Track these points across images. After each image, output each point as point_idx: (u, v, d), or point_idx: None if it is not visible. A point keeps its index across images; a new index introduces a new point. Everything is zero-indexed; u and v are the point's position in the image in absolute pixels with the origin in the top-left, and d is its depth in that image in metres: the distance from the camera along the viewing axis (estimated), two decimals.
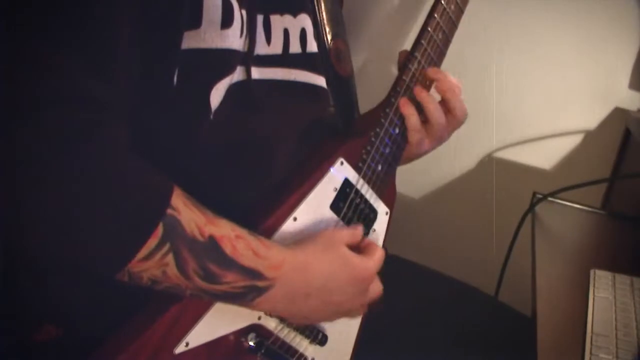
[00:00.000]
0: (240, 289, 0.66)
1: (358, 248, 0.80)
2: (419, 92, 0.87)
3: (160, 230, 0.59)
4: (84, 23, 0.57)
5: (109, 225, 0.57)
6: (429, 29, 0.89)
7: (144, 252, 0.59)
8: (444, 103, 0.90)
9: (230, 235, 0.66)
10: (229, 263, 0.65)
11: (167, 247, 0.60)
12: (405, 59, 0.88)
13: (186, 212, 0.62)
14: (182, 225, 0.61)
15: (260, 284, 0.68)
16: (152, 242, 0.59)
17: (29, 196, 0.54)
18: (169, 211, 0.60)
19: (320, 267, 0.73)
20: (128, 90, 0.61)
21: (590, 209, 1.30)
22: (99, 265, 0.60)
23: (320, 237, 0.75)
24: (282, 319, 0.78)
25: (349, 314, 0.81)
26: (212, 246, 0.64)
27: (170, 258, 0.61)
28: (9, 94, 0.54)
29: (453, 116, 0.90)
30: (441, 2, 0.90)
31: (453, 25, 0.93)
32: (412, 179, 1.56)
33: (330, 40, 0.88)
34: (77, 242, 0.57)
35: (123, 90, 0.61)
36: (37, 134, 0.54)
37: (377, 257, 0.79)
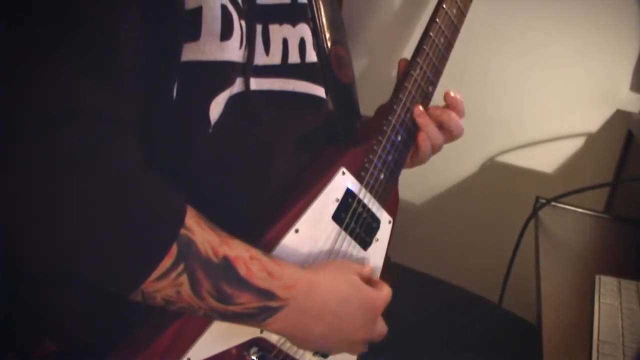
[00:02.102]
0: (253, 309, 0.67)
1: (367, 283, 0.80)
2: (418, 116, 0.88)
3: (174, 250, 0.60)
4: (90, 39, 0.57)
5: (124, 245, 0.57)
6: (431, 33, 0.88)
7: (158, 272, 0.59)
8: (441, 124, 0.91)
9: (244, 256, 0.66)
10: (243, 284, 0.65)
11: (181, 267, 0.61)
12: (407, 66, 0.88)
13: (200, 232, 0.62)
14: (196, 246, 0.62)
15: (273, 304, 0.68)
16: (167, 262, 0.59)
17: (42, 215, 0.53)
18: (183, 231, 0.61)
19: (333, 290, 0.74)
20: (136, 105, 0.61)
21: (593, 213, 1.29)
22: (113, 285, 0.60)
23: (332, 263, 0.77)
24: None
25: (352, 347, 0.81)
26: (226, 267, 0.64)
27: (184, 278, 0.61)
28: (20, 111, 0.53)
29: (449, 134, 0.92)
30: (443, 6, 0.89)
31: (455, 29, 0.92)
32: (413, 185, 1.55)
33: (331, 46, 0.87)
34: (92, 261, 0.57)
35: (132, 104, 0.60)
36: (50, 151, 0.53)
37: (385, 292, 0.80)
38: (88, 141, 0.55)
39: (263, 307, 0.67)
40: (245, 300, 0.66)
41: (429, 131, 0.89)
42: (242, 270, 0.65)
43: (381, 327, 0.82)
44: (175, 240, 0.60)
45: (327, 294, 0.73)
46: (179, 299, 0.62)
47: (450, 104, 0.91)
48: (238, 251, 0.66)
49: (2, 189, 0.53)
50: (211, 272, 0.63)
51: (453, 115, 0.90)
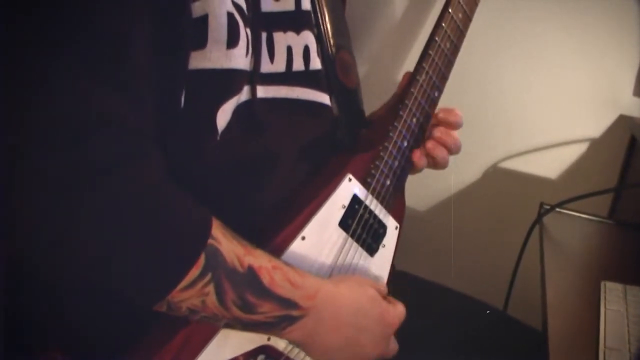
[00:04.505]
0: (275, 318, 0.67)
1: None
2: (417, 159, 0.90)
3: (202, 260, 0.60)
4: (104, 47, 0.57)
5: (153, 256, 0.58)
6: (437, 38, 0.88)
7: (186, 281, 0.60)
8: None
9: (267, 266, 0.67)
10: (266, 294, 0.66)
11: (208, 277, 0.61)
12: (411, 74, 0.88)
13: (226, 242, 0.63)
14: (223, 256, 0.63)
15: (294, 313, 0.69)
16: (195, 272, 0.60)
17: (72, 227, 0.54)
18: (210, 241, 0.62)
19: (352, 301, 0.75)
20: (153, 115, 0.61)
21: (598, 219, 1.28)
22: (140, 295, 0.60)
23: (350, 277, 0.78)
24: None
25: None
26: (251, 277, 0.65)
27: (210, 288, 0.62)
28: (46, 123, 0.53)
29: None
30: (449, 11, 0.89)
31: (461, 33, 0.93)
32: (417, 192, 1.53)
33: (335, 52, 0.87)
34: (121, 272, 0.57)
35: (150, 113, 0.61)
36: (78, 164, 0.54)
37: (400, 309, 0.81)
38: (116, 154, 0.56)
39: (284, 316, 0.68)
40: (268, 310, 0.66)
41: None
42: (266, 280, 0.66)
43: (393, 345, 0.83)
44: (203, 250, 0.61)
45: (347, 305, 0.74)
46: (204, 308, 0.63)
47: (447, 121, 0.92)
48: (262, 261, 0.66)
49: (29, 203, 0.53)
50: (237, 282, 0.64)
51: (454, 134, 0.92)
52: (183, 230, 0.60)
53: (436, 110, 0.92)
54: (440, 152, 0.90)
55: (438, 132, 0.90)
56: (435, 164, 0.91)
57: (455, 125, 0.92)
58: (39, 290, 0.69)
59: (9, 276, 0.63)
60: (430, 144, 0.89)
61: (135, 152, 0.57)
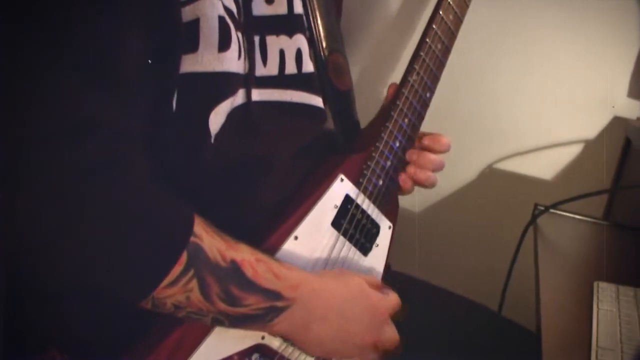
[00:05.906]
0: (260, 310, 0.68)
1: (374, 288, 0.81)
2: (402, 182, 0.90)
3: (184, 257, 0.61)
4: (95, 49, 0.58)
5: (135, 255, 0.59)
6: (427, 39, 0.89)
7: (169, 279, 0.61)
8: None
9: (250, 258, 0.67)
10: (250, 286, 0.67)
11: (191, 273, 0.62)
12: (402, 75, 0.88)
13: (208, 238, 0.64)
14: (205, 252, 0.63)
15: (279, 304, 0.69)
16: (177, 269, 0.61)
17: (56, 226, 0.55)
18: (192, 239, 0.62)
19: (337, 291, 0.75)
20: (141, 115, 0.62)
21: (592, 220, 1.29)
22: (125, 293, 0.61)
23: (337, 268, 0.79)
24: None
25: (360, 351, 0.80)
26: (234, 270, 0.66)
27: (194, 284, 0.63)
28: (40, 125, 0.54)
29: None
30: (439, 13, 0.90)
31: (452, 35, 0.93)
32: (411, 193, 1.54)
33: (328, 55, 0.88)
34: (104, 271, 0.58)
35: (137, 115, 0.62)
36: (64, 165, 0.55)
37: (392, 297, 0.81)
38: (100, 155, 0.57)
39: (269, 307, 0.68)
40: (253, 302, 0.67)
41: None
42: (249, 273, 0.67)
43: (391, 333, 0.82)
44: (185, 247, 0.61)
45: (332, 294, 0.74)
46: (188, 303, 0.64)
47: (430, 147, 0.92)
48: (244, 254, 0.67)
49: (12, 205, 0.53)
50: (220, 276, 0.64)
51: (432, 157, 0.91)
52: (165, 228, 0.61)
53: (422, 136, 0.92)
54: (422, 175, 0.90)
55: (414, 155, 0.90)
56: (423, 185, 0.92)
57: (441, 152, 0.92)
58: (38, 290, 0.69)
59: (8, 277, 0.64)
60: (411, 169, 0.90)
61: (121, 154, 0.58)
